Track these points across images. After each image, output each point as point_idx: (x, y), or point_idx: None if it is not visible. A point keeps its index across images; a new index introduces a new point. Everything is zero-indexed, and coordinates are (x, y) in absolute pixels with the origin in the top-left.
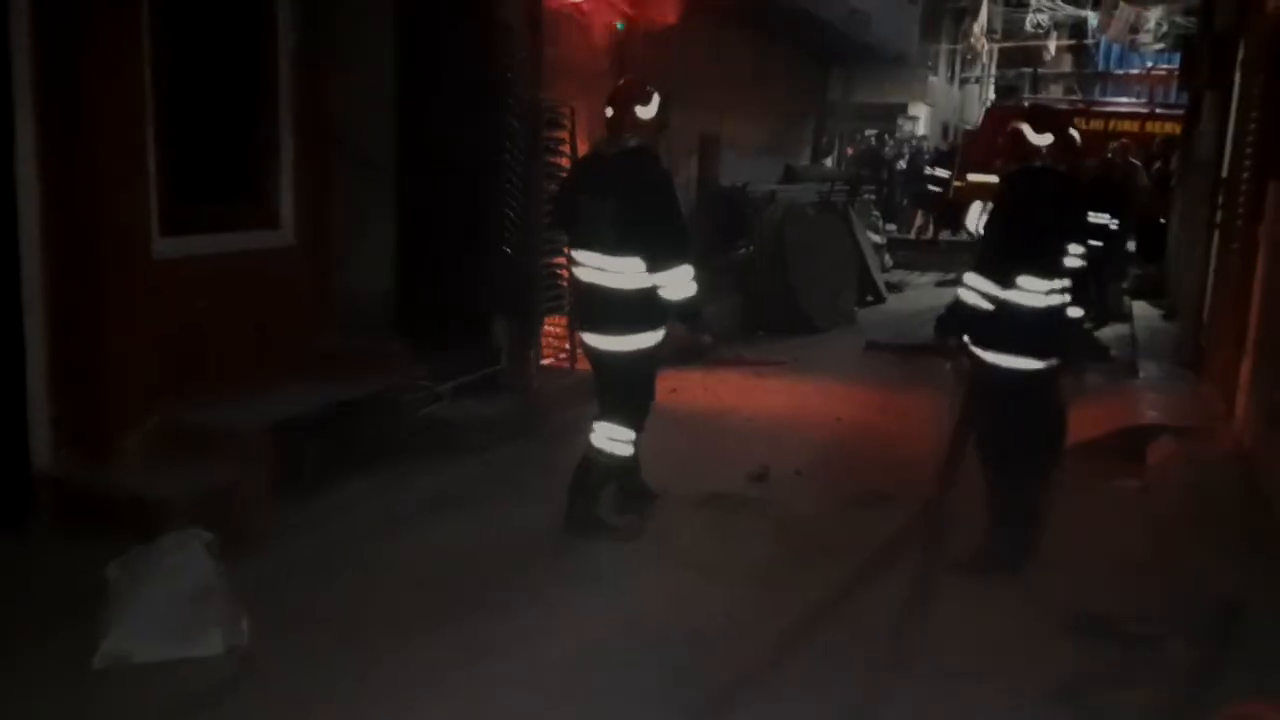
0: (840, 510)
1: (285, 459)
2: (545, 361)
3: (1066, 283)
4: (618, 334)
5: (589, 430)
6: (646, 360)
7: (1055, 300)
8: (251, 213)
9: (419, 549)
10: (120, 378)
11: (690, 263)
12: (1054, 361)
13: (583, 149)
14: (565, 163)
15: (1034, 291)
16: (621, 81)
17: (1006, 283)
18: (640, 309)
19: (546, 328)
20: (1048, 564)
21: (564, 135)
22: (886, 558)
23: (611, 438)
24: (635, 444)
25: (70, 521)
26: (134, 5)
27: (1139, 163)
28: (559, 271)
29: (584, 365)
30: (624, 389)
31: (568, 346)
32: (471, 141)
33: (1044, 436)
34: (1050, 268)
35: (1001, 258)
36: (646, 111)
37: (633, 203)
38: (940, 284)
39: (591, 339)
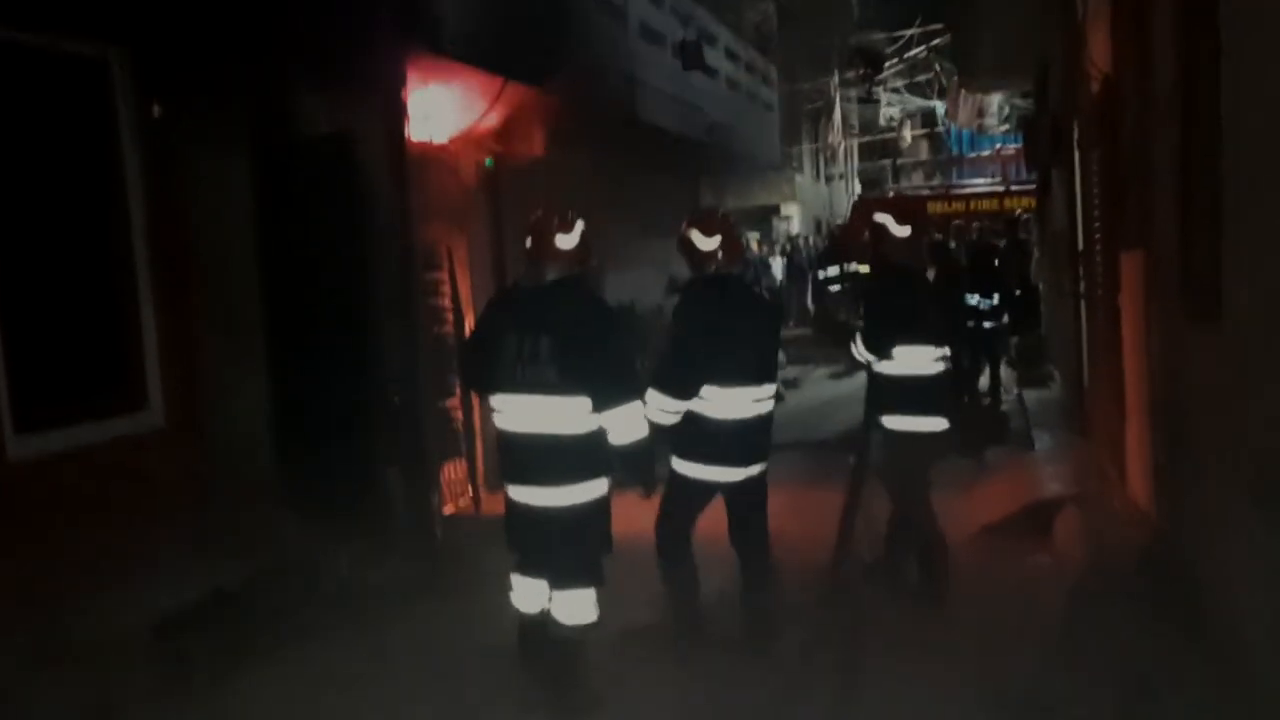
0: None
1: (171, 657)
2: (447, 510)
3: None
4: (567, 484)
5: (512, 590)
6: (601, 510)
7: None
8: (118, 396)
9: None
10: None
11: (641, 399)
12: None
13: (463, 286)
14: (446, 303)
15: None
16: (540, 210)
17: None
18: (591, 453)
19: (445, 473)
20: (975, 649)
21: (442, 275)
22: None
23: (577, 605)
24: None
25: None
26: None
27: (998, 243)
28: (454, 414)
29: (490, 509)
30: (580, 546)
31: (470, 490)
32: (344, 294)
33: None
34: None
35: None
36: (568, 241)
37: (573, 337)
38: (834, 375)
39: (531, 494)
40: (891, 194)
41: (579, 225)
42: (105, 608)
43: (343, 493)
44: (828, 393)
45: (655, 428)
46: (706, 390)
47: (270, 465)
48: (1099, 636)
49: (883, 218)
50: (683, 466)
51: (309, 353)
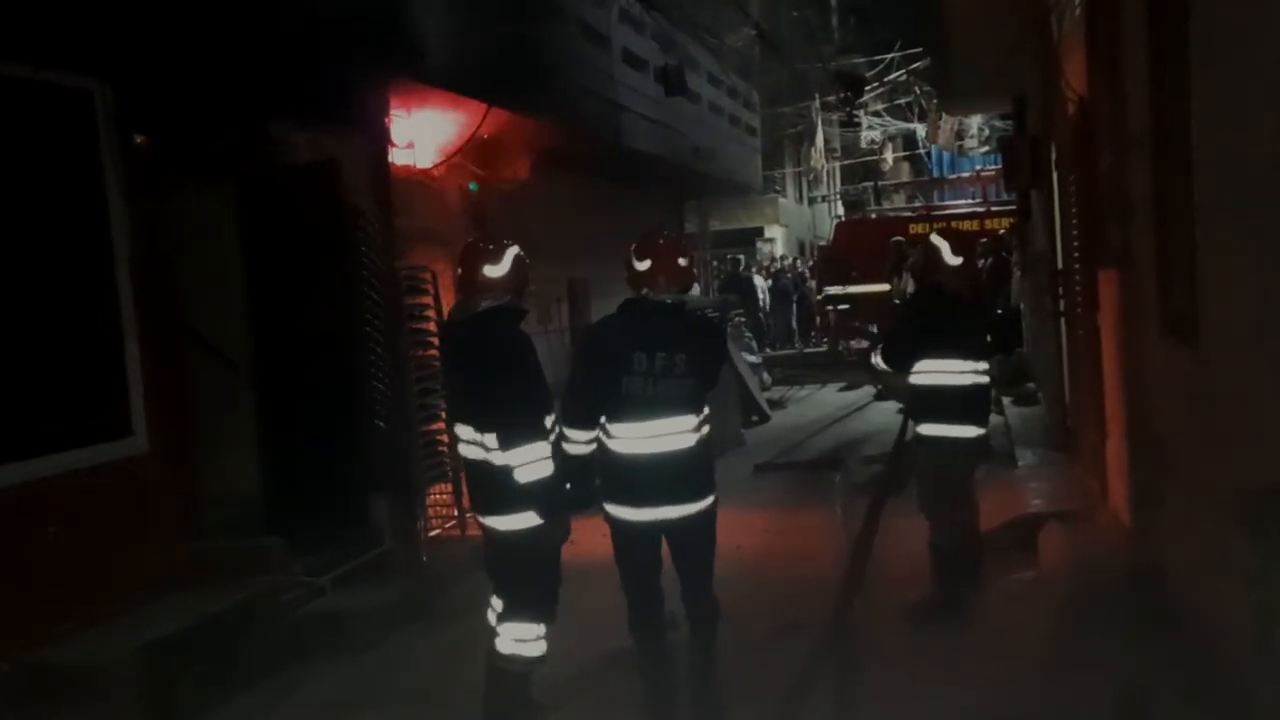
0: (754, 648)
1: (158, 686)
2: (433, 533)
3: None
4: (504, 512)
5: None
6: (541, 541)
7: None
8: (100, 424)
9: None
10: None
11: (544, 439)
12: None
13: (449, 310)
14: (433, 327)
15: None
16: (469, 240)
17: None
18: (513, 484)
19: (433, 496)
20: (963, 670)
21: (428, 300)
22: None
23: (519, 639)
24: (545, 638)
25: None
26: None
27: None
28: (440, 438)
29: (475, 531)
30: (522, 575)
31: (456, 513)
32: (329, 320)
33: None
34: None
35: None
36: (497, 270)
37: (479, 374)
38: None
39: (483, 520)
40: (874, 215)
41: (509, 253)
42: (90, 634)
43: (329, 519)
44: (812, 413)
45: (569, 462)
46: (610, 423)
47: (257, 492)
48: (1086, 652)
49: (938, 242)
50: (608, 505)
51: (296, 379)
